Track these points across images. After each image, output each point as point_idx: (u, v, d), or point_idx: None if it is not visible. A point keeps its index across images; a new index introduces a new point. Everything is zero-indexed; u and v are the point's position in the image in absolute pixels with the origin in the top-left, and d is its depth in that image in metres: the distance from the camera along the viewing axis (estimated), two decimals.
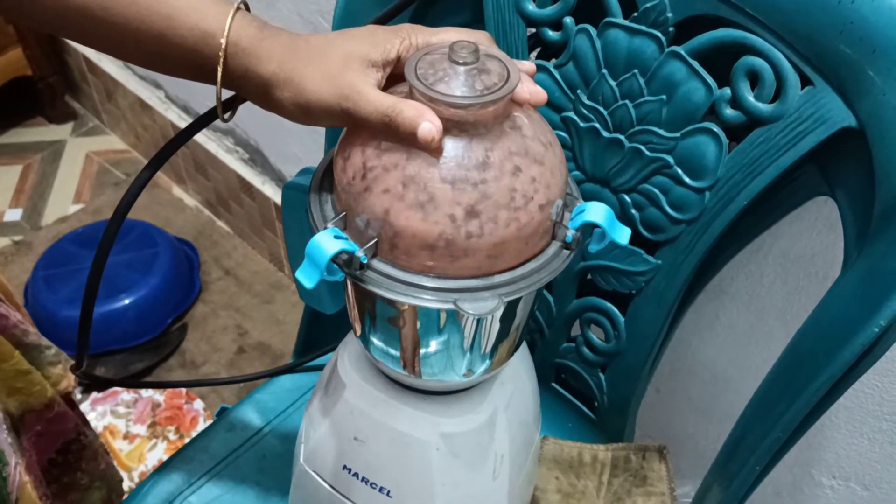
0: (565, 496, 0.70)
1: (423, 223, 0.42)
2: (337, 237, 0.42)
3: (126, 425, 1.26)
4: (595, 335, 0.71)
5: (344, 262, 0.43)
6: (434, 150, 0.41)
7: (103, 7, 0.43)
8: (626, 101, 0.58)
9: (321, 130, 0.68)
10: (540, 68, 0.61)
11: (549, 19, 0.61)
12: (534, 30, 0.62)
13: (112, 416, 1.26)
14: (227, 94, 0.47)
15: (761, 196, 0.56)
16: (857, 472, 0.79)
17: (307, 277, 0.42)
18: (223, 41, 0.44)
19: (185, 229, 1.58)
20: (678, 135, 0.57)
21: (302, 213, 0.48)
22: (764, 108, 0.53)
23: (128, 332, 1.34)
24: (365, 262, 0.43)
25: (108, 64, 1.63)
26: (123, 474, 1.09)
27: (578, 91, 0.61)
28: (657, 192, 0.60)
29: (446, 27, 0.46)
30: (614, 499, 0.70)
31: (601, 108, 0.60)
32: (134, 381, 1.32)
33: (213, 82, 0.45)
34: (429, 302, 0.43)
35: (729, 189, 0.57)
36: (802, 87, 0.51)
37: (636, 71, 0.57)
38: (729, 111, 0.55)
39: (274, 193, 1.38)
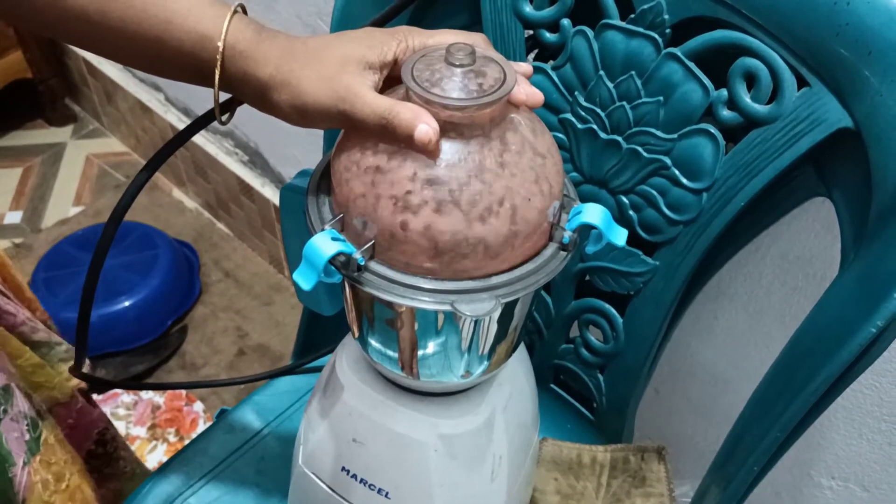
0: (564, 497, 0.70)
1: (421, 225, 0.42)
2: (334, 239, 0.42)
3: (126, 427, 1.26)
4: (593, 336, 0.71)
5: (341, 263, 0.43)
6: (431, 152, 0.41)
7: (101, 11, 0.43)
8: (624, 103, 0.59)
9: (320, 132, 0.67)
10: (537, 70, 0.61)
11: (546, 21, 0.61)
12: (531, 32, 0.62)
13: (112, 418, 1.26)
14: (224, 96, 0.48)
15: (759, 197, 0.56)
16: (856, 473, 0.79)
17: (304, 279, 0.42)
18: (220, 44, 0.44)
19: (185, 231, 1.58)
20: (675, 136, 0.57)
21: (300, 215, 0.48)
22: (761, 109, 0.53)
23: (128, 334, 1.34)
24: (362, 263, 0.43)
25: (108, 67, 1.63)
26: None
27: (576, 93, 0.61)
28: (655, 193, 0.60)
29: (443, 29, 0.46)
30: (613, 500, 0.70)
31: (598, 110, 0.60)
32: (134, 383, 1.32)
33: (211, 85, 0.45)
34: (426, 303, 0.43)
35: (726, 190, 0.57)
36: (799, 89, 0.51)
37: (633, 72, 0.57)
38: (726, 112, 0.55)
39: (273, 195, 1.38)
